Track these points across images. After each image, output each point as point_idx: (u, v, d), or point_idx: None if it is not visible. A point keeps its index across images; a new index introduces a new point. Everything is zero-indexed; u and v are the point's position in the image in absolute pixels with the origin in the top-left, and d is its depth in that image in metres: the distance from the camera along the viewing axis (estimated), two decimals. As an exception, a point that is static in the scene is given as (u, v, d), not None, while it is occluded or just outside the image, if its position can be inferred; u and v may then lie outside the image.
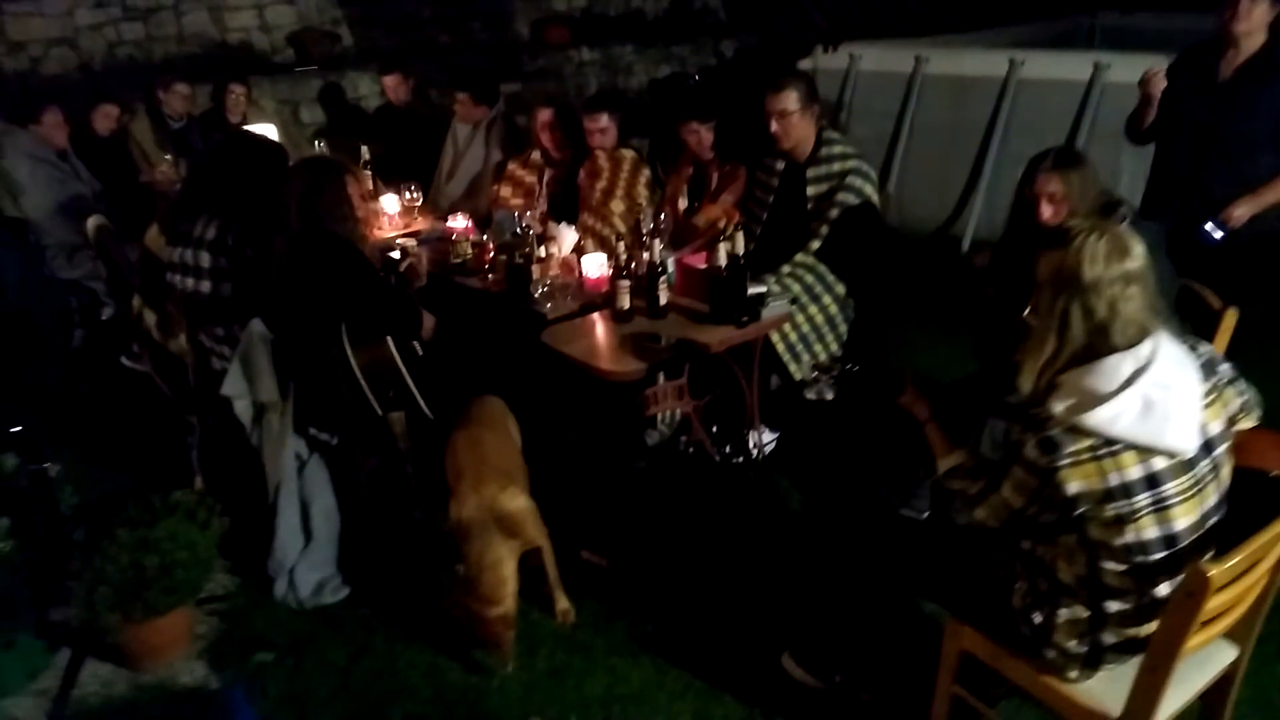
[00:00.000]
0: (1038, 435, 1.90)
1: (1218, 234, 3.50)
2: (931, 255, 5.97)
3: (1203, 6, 5.52)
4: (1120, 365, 1.87)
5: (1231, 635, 2.13)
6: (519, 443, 3.13)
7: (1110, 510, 1.88)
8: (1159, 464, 1.88)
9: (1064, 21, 8.22)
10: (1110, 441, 1.86)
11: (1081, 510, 1.90)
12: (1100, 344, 1.90)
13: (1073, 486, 1.88)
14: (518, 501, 2.78)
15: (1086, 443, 1.87)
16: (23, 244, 4.84)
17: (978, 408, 2.91)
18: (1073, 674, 2.05)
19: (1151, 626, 1.96)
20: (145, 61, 6.69)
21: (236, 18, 7.10)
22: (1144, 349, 1.89)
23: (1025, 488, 1.95)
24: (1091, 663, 2.03)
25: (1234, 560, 1.77)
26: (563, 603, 2.97)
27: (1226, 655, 2.17)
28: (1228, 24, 3.51)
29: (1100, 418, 1.84)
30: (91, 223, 3.97)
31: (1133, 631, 1.99)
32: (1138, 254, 1.92)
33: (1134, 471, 1.87)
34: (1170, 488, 1.89)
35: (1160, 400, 1.84)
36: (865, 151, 3.92)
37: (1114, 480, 1.86)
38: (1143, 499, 1.88)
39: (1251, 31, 3.50)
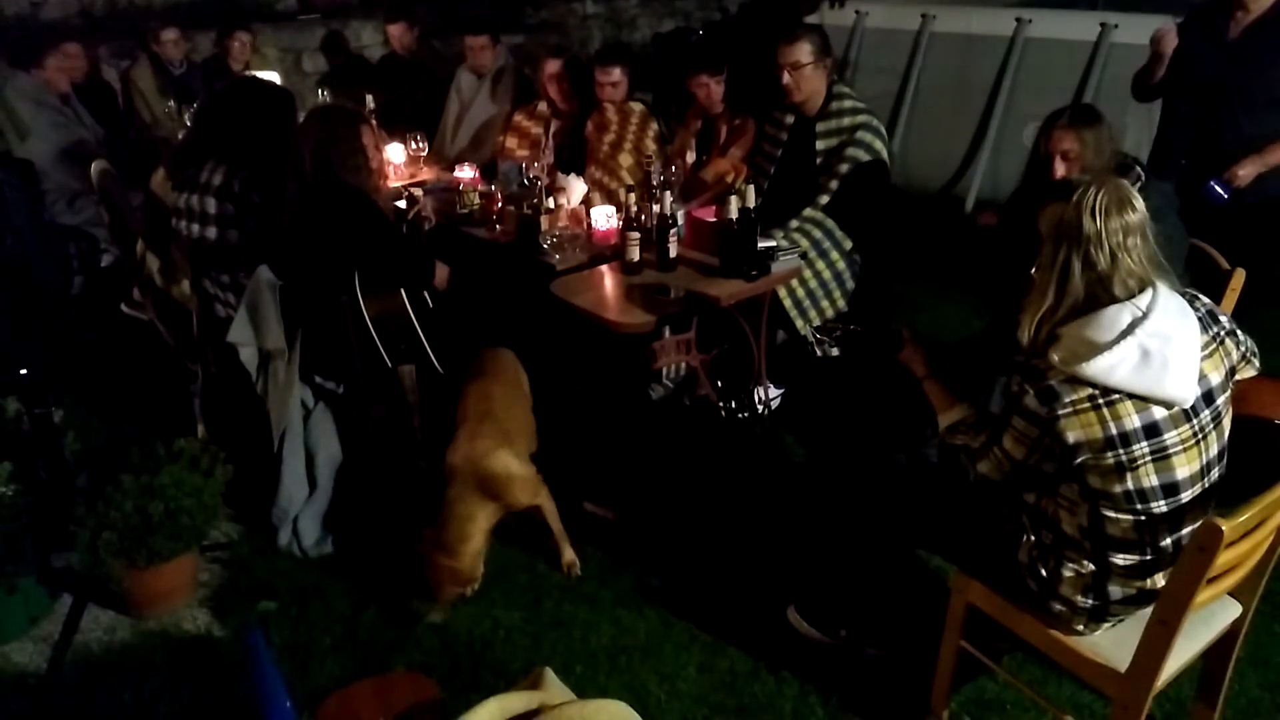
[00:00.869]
0: (1037, 386, 1.92)
1: (1222, 193, 3.50)
2: (936, 214, 5.94)
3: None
4: (1119, 316, 1.88)
5: (1235, 593, 2.15)
6: (529, 397, 3.11)
7: (1110, 458, 1.90)
8: (1158, 413, 1.89)
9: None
10: (1108, 391, 1.88)
11: (1081, 459, 1.92)
12: (1101, 295, 1.92)
13: (1072, 436, 1.90)
14: (505, 465, 2.75)
15: (1085, 392, 1.88)
16: (30, 186, 4.78)
17: (986, 366, 2.90)
18: (1079, 627, 2.06)
19: (1157, 579, 1.99)
20: (146, 7, 6.57)
21: (239, -36, 6.96)
22: (1142, 300, 1.90)
23: (1026, 438, 1.97)
24: (1098, 616, 2.05)
25: (1245, 515, 1.78)
26: (568, 555, 2.97)
27: (1230, 612, 2.18)
28: None
29: (1098, 367, 1.86)
30: (95, 167, 3.93)
31: (1138, 584, 2.01)
32: (1138, 207, 1.93)
33: (1132, 421, 1.88)
34: (1171, 437, 1.90)
35: (1158, 350, 1.86)
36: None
37: (1113, 429, 1.88)
38: (1142, 448, 1.89)
39: None
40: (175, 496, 2.72)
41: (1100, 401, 1.88)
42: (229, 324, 3.13)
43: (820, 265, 3.66)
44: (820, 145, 3.74)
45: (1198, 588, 1.81)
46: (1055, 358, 1.91)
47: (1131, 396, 1.87)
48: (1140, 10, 5.65)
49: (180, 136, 4.46)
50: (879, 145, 3.70)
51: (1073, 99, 5.49)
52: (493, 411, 2.86)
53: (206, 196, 3.19)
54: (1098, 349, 1.86)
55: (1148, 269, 1.92)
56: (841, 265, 3.72)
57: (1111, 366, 1.86)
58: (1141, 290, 1.91)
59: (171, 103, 5.24)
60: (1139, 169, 2.99)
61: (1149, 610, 1.96)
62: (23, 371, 2.81)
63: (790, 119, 3.85)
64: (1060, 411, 1.89)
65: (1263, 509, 1.82)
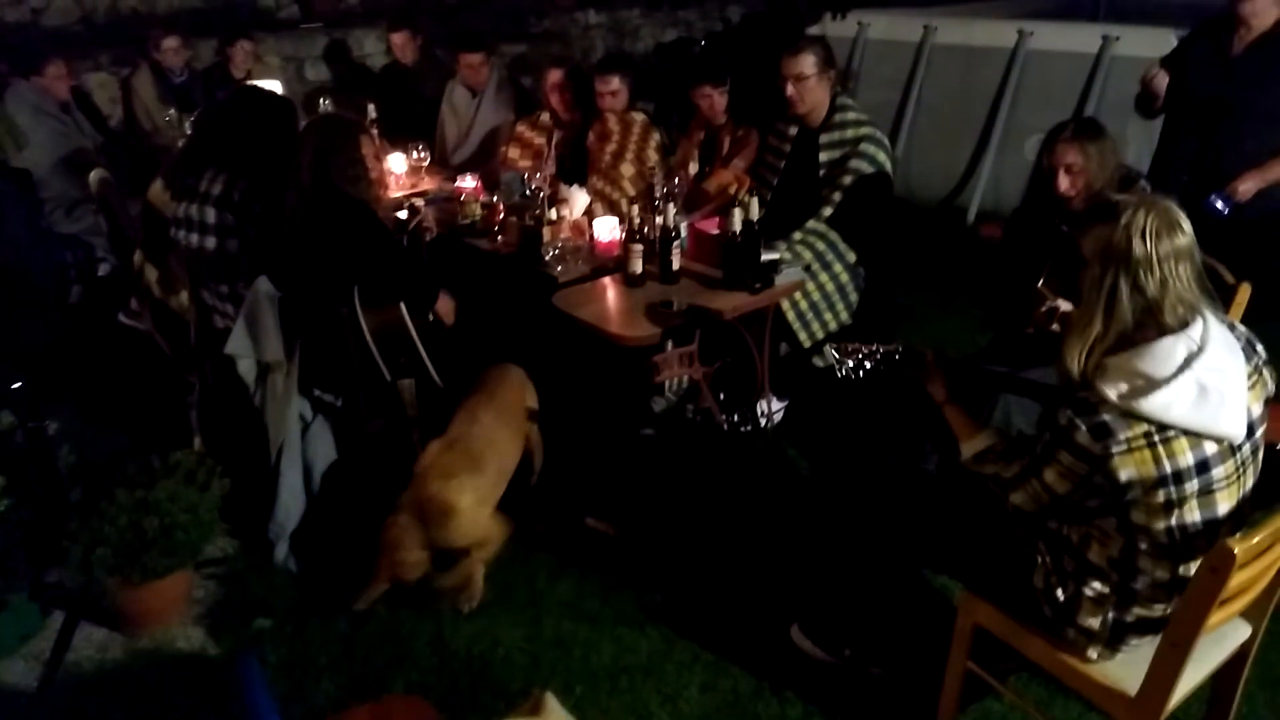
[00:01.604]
0: (1090, 420, 1.84)
1: (1223, 207, 3.49)
2: (938, 226, 5.92)
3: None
4: (1174, 349, 1.82)
5: (1245, 614, 2.11)
6: (526, 421, 3.04)
7: (1160, 496, 1.84)
8: (1209, 449, 1.84)
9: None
10: (1164, 427, 1.81)
11: (1130, 497, 1.86)
12: (1149, 323, 1.84)
13: (1125, 473, 1.83)
14: (452, 498, 2.69)
15: (1141, 429, 1.81)
16: (28, 196, 4.77)
17: (991, 384, 2.87)
18: (1093, 653, 2.02)
19: (1174, 604, 1.94)
20: (148, 14, 6.56)
21: (242, -28, 6.98)
22: (1195, 332, 1.84)
23: (1073, 474, 1.89)
24: (1113, 642, 2.01)
25: (1258, 537, 1.74)
26: (458, 591, 2.83)
27: (1241, 633, 2.15)
28: (1235, 3, 3.51)
29: (1156, 403, 1.79)
30: (94, 176, 3.91)
31: (1158, 610, 1.97)
32: (1186, 229, 1.86)
33: (1186, 458, 1.83)
34: (1218, 473, 1.86)
35: (1214, 386, 1.80)
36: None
37: (1167, 467, 1.82)
38: (1192, 485, 1.84)
39: (1259, 10, 3.51)
40: (170, 512, 2.69)
41: (1156, 439, 1.81)
42: (227, 335, 3.10)
43: (824, 277, 3.63)
44: (823, 157, 3.72)
45: (1210, 610, 1.77)
46: (1109, 392, 1.83)
47: (1186, 433, 1.81)
48: (1137, 22, 5.65)
49: (180, 145, 4.44)
50: (882, 157, 3.68)
51: (1074, 111, 5.48)
52: (470, 436, 2.80)
53: (206, 206, 3.16)
54: (1155, 384, 1.79)
55: (1196, 296, 1.85)
56: (845, 278, 3.69)
57: (1169, 403, 1.79)
58: (1191, 318, 1.84)
59: (172, 111, 5.23)
60: (1144, 182, 2.97)
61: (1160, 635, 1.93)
62: (16, 385, 2.78)
63: (793, 130, 3.83)
64: (1115, 449, 1.82)
65: (1274, 530, 1.79)
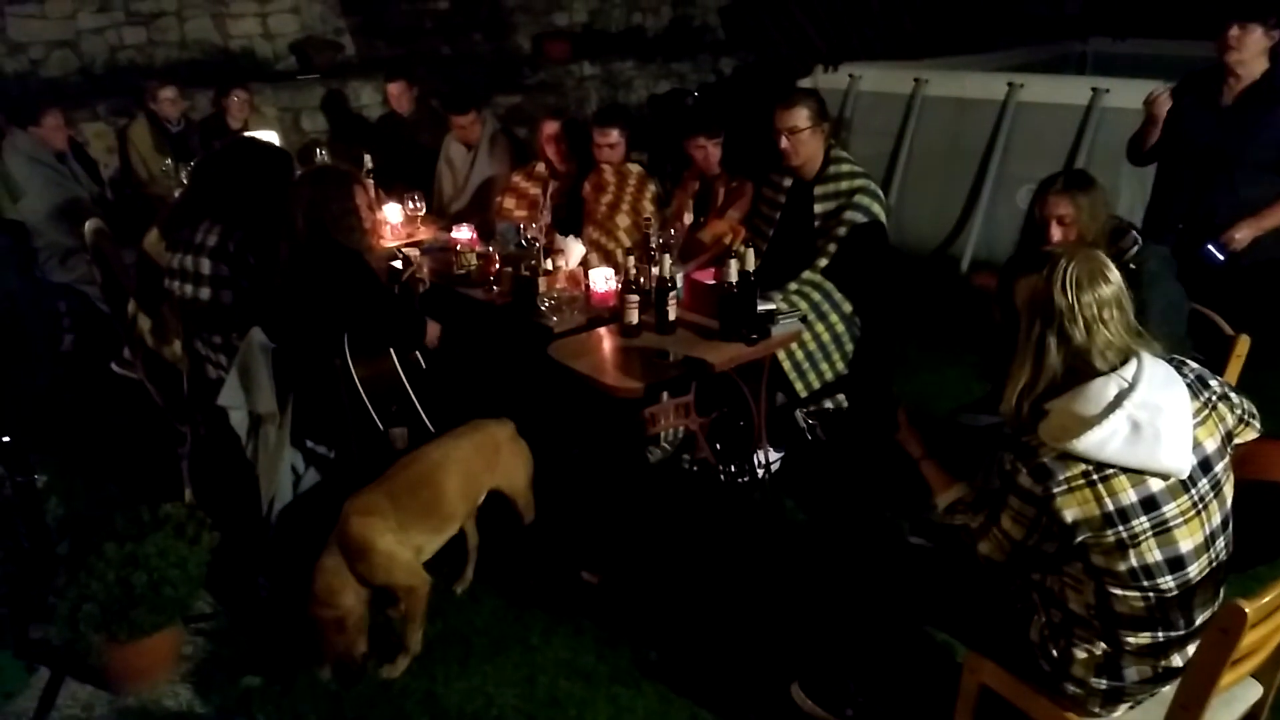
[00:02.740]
0: (1030, 463, 1.88)
1: (1219, 255, 3.51)
2: (931, 275, 5.94)
3: (1192, 34, 5.57)
4: (1105, 389, 1.85)
5: (1256, 674, 2.07)
6: (480, 479, 2.96)
7: (1110, 536, 1.85)
8: (1155, 486, 1.85)
9: (1055, 47, 8.29)
10: (1102, 466, 1.83)
11: (1082, 538, 1.87)
12: (1081, 368, 1.88)
13: (1069, 514, 1.85)
14: (366, 532, 2.64)
15: (1079, 469, 1.84)
16: (21, 247, 4.76)
17: (968, 439, 2.85)
18: (1095, 710, 2.00)
19: (1173, 659, 1.94)
20: (147, 66, 6.63)
21: (239, 25, 7.06)
22: (1127, 371, 1.86)
23: (1024, 518, 1.92)
24: (1113, 698, 1.99)
25: (1269, 596, 1.73)
26: (400, 665, 2.78)
27: (1252, 694, 2.11)
28: (1222, 55, 3.54)
29: (1089, 442, 1.82)
30: (89, 226, 3.90)
31: (1153, 664, 1.95)
32: (1112, 278, 1.91)
33: (1129, 496, 1.84)
34: (1170, 509, 1.86)
35: (1148, 422, 1.82)
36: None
37: (1109, 505, 1.84)
38: (1142, 523, 1.85)
39: (1246, 60, 3.54)
40: (160, 567, 2.63)
41: (1095, 477, 1.84)
42: (220, 386, 3.08)
43: (819, 328, 3.63)
44: (818, 208, 3.73)
45: (1222, 670, 1.75)
46: (1045, 434, 1.87)
47: (1126, 471, 1.83)
48: (1122, 76, 5.74)
49: (176, 194, 4.45)
50: (877, 208, 3.69)
51: (1065, 162, 5.53)
52: (399, 477, 2.77)
53: (201, 257, 3.16)
54: (1087, 424, 1.82)
55: (1127, 340, 1.89)
56: (841, 328, 3.68)
57: (1102, 441, 1.81)
58: (1124, 362, 1.88)
59: (168, 161, 5.26)
60: (1134, 233, 2.99)
61: (1167, 690, 1.90)
62: (4, 439, 2.74)
63: (788, 182, 3.85)
64: (1055, 489, 1.85)
65: (1286, 589, 1.77)
